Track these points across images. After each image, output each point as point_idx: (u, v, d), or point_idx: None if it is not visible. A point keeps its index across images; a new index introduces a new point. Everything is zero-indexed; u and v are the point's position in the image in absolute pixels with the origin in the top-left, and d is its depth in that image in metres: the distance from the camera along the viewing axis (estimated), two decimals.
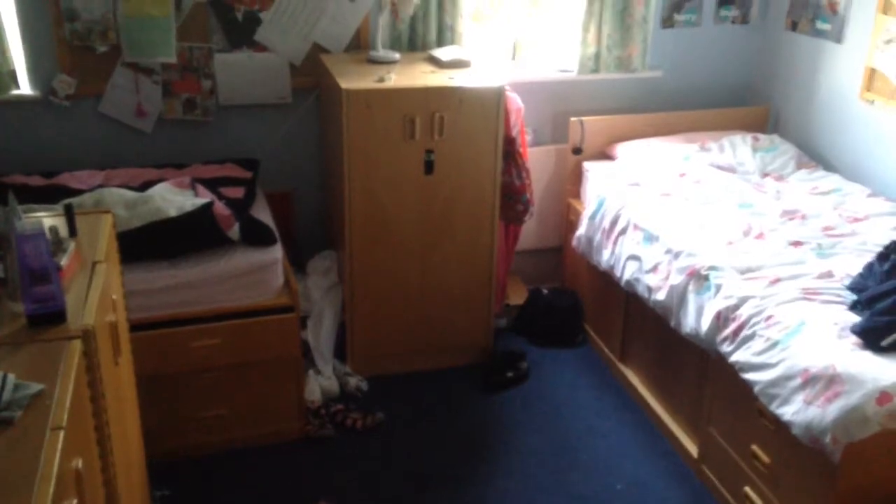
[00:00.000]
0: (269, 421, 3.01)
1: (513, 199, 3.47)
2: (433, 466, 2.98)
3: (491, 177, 3.27)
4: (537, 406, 3.33)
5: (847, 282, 2.64)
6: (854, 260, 2.79)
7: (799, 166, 3.67)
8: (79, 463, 1.32)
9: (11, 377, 1.31)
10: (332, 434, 3.09)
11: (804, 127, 3.86)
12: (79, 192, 2.92)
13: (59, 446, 1.22)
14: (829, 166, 3.68)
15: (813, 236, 3.01)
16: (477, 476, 2.94)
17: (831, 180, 3.51)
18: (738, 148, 3.72)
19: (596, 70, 3.86)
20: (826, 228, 3.07)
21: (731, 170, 3.61)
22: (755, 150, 3.71)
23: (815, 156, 3.76)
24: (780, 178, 3.59)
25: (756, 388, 2.46)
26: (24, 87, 3.25)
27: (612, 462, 3.02)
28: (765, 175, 3.61)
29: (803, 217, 3.17)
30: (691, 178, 3.48)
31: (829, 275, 2.71)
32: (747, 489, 2.63)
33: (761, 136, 3.81)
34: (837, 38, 3.59)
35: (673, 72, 4.01)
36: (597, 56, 3.83)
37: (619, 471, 2.97)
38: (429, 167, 3.17)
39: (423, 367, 3.51)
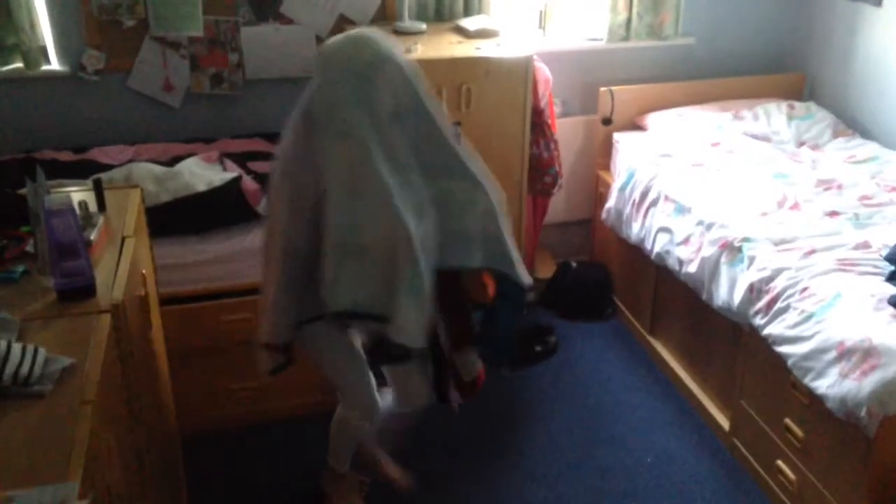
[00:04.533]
0: (299, 393, 3.03)
1: (541, 172, 3.43)
2: (462, 439, 2.99)
3: (519, 149, 3.23)
4: (566, 380, 3.32)
5: (885, 252, 2.58)
6: (892, 230, 2.73)
7: (836, 135, 3.59)
8: (110, 435, 1.33)
9: (42, 351, 1.33)
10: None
11: (841, 94, 3.76)
12: (109, 168, 2.94)
13: (90, 419, 1.23)
14: (866, 134, 3.59)
15: (849, 206, 2.94)
16: (505, 449, 2.94)
17: (869, 148, 3.42)
18: (773, 116, 3.64)
19: (626, 38, 3.78)
20: (863, 198, 3.00)
21: (766, 139, 3.53)
22: (790, 118, 3.63)
23: (852, 124, 3.67)
24: (816, 147, 3.51)
25: (790, 362, 2.42)
26: (54, 63, 3.26)
27: (642, 436, 3.00)
28: (800, 144, 3.54)
29: (840, 187, 3.10)
30: (724, 147, 3.41)
31: (866, 245, 2.65)
32: (780, 463, 2.60)
33: (797, 104, 3.73)
34: (877, 1, 3.48)
35: (706, 38, 3.92)
36: (627, 23, 3.75)
37: (649, 444, 2.96)
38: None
39: None
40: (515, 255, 2.13)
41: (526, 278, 2.15)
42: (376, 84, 1.90)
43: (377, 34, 2.00)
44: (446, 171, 2.03)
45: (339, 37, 1.99)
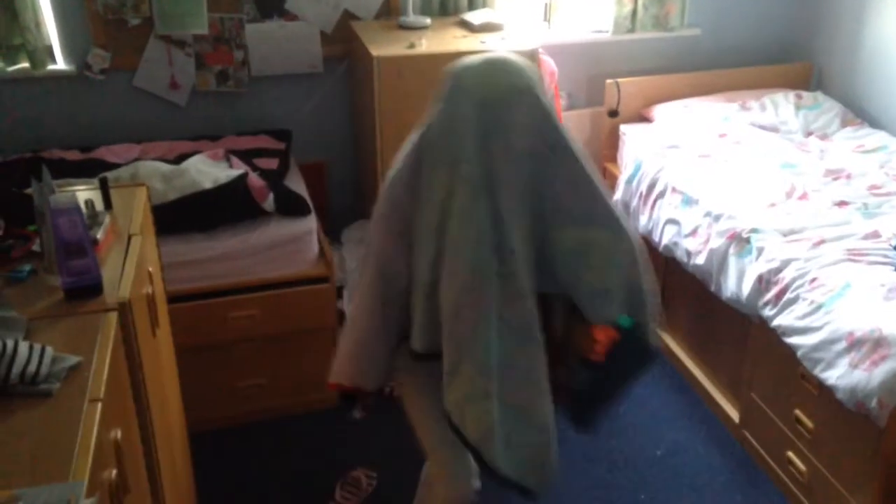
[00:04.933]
0: (306, 390, 3.04)
1: None
2: None
3: None
4: None
5: (894, 242, 2.57)
6: None
7: (844, 124, 3.57)
8: (118, 434, 1.33)
9: (50, 350, 1.33)
10: (370, 402, 3.11)
11: (849, 83, 3.74)
12: (115, 166, 2.95)
13: (98, 417, 1.23)
14: (875, 123, 3.56)
15: (858, 196, 2.93)
16: None
17: (877, 137, 3.40)
18: (781, 106, 3.62)
19: (632, 29, 3.77)
20: (872, 187, 2.98)
21: (774, 129, 3.51)
22: (798, 108, 3.61)
23: (860, 113, 3.64)
24: (824, 137, 3.48)
25: (799, 353, 2.41)
26: (60, 63, 3.27)
27: (652, 428, 2.99)
28: (808, 134, 3.51)
29: (848, 176, 3.08)
30: (732, 138, 3.39)
31: (876, 235, 2.63)
32: (790, 454, 2.59)
33: (804, 94, 3.70)
34: None
35: (712, 29, 3.90)
36: (633, 15, 3.74)
37: (659, 436, 2.95)
38: None
39: None
40: (652, 310, 1.90)
41: (655, 339, 1.91)
42: (506, 119, 1.68)
43: (517, 60, 1.75)
44: (588, 217, 1.78)
45: (474, 58, 1.75)
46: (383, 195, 1.87)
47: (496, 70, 1.71)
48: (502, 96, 1.68)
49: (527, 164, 1.71)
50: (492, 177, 1.69)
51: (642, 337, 1.87)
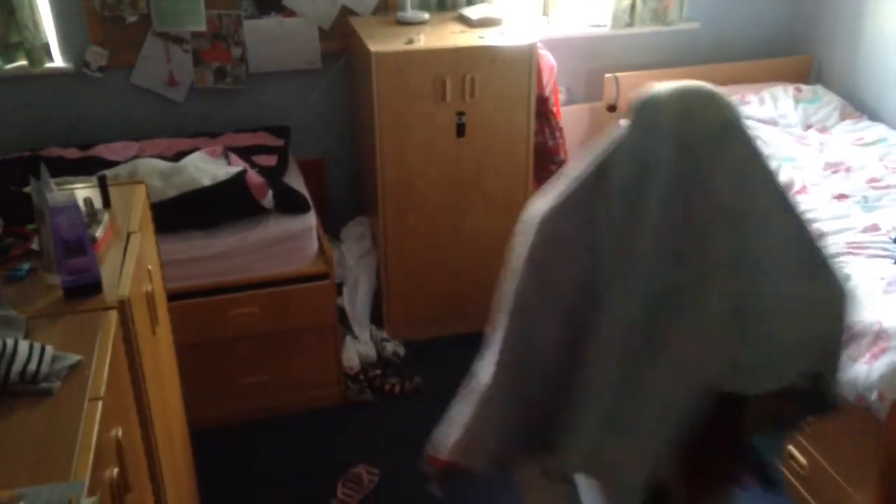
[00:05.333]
0: (308, 387, 3.04)
1: (546, 160, 3.42)
2: None
3: (524, 137, 3.22)
4: None
5: (894, 235, 2.57)
6: None
7: (843, 117, 3.56)
8: (118, 432, 1.33)
9: (49, 349, 1.33)
10: (371, 399, 3.11)
11: (849, 76, 3.73)
12: (114, 164, 2.94)
13: (98, 416, 1.23)
14: (874, 116, 3.56)
15: (858, 189, 2.92)
16: None
17: (877, 130, 3.39)
18: (780, 100, 3.61)
19: (630, 24, 3.76)
20: (871, 180, 2.98)
21: (773, 123, 3.51)
22: (797, 101, 3.61)
23: (860, 106, 3.64)
24: (823, 130, 3.48)
25: None
26: (58, 60, 3.26)
27: None
28: (808, 127, 3.51)
29: (848, 169, 3.08)
30: None
31: (875, 228, 2.63)
32: (790, 447, 2.59)
33: (804, 88, 3.70)
34: None
35: (710, 23, 3.89)
36: (631, 9, 3.73)
37: None
38: (460, 129, 3.13)
39: (459, 331, 3.49)
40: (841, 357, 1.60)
41: (837, 387, 1.62)
42: (708, 162, 1.38)
43: (720, 92, 1.44)
44: (805, 269, 1.49)
45: (671, 86, 1.44)
46: (535, 237, 1.52)
47: (702, 103, 1.41)
48: (710, 134, 1.38)
49: (729, 221, 1.40)
50: (684, 234, 1.40)
51: (827, 391, 1.60)
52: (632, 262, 1.41)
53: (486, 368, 1.64)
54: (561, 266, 1.49)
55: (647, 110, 1.43)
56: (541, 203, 1.51)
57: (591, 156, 1.47)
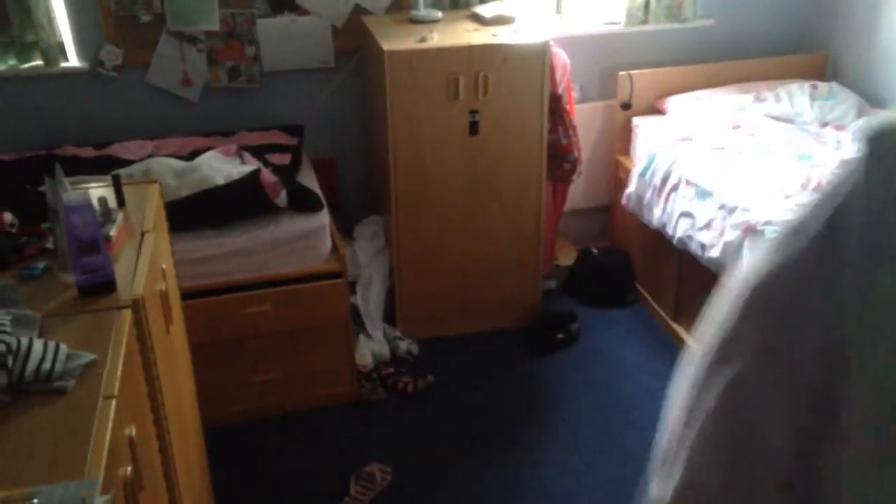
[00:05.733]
0: (321, 385, 3.04)
1: (560, 158, 3.41)
2: (485, 428, 2.98)
3: (537, 136, 3.21)
4: (589, 367, 3.30)
5: None
6: None
7: (860, 114, 3.52)
8: (132, 430, 1.34)
9: (64, 347, 1.33)
10: (384, 397, 3.12)
11: (865, 73, 3.69)
12: (129, 163, 2.95)
13: (112, 414, 1.23)
14: None
15: None
16: (529, 437, 2.93)
17: None
18: (796, 97, 3.58)
19: (644, 21, 3.74)
20: None
21: (789, 120, 3.48)
22: (813, 98, 3.57)
23: (877, 103, 3.60)
24: (840, 128, 3.45)
25: None
26: (72, 60, 3.28)
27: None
28: (824, 125, 3.48)
29: None
30: (746, 130, 3.36)
31: None
32: None
33: (820, 85, 3.67)
34: None
35: (725, 20, 3.87)
36: (646, 6, 3.71)
37: None
38: (473, 128, 3.12)
39: (472, 330, 3.50)
40: None
41: None
42: None
43: None
44: None
45: None
46: (754, 301, 1.33)
47: None
48: None
49: None
50: None
51: None
52: (884, 312, 1.19)
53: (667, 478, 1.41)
54: (796, 333, 1.25)
55: (879, 145, 1.17)
56: (758, 263, 1.30)
57: (818, 199, 1.23)
